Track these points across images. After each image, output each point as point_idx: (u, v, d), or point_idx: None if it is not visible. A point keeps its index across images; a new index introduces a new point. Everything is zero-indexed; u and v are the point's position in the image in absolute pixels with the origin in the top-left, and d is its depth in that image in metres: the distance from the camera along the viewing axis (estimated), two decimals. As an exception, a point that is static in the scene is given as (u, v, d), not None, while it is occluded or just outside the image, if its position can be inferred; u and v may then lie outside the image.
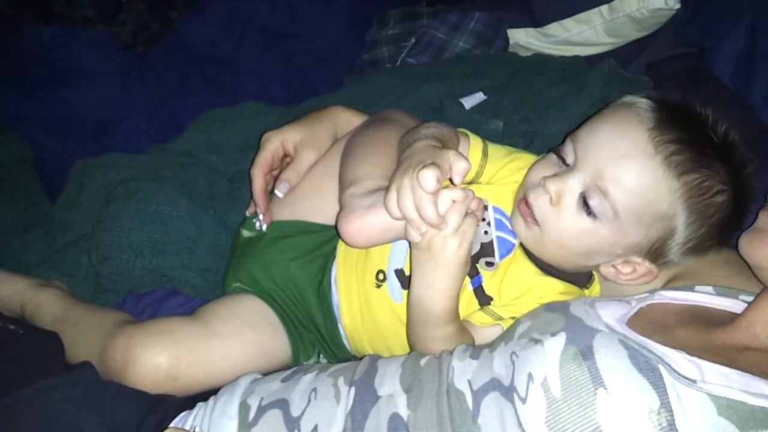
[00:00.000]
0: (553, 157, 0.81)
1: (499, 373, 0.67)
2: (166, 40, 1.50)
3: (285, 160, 1.03)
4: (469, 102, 1.31)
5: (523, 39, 1.45)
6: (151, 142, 1.33)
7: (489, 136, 0.94)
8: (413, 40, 1.43)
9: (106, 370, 0.87)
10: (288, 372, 0.80)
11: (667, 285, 0.82)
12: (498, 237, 0.82)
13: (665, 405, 0.57)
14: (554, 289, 0.82)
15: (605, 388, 0.59)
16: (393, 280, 0.85)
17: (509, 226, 0.83)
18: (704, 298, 0.75)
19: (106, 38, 1.45)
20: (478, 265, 0.82)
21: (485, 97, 1.30)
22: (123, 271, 1.07)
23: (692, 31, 1.35)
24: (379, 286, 0.86)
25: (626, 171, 0.74)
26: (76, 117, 1.39)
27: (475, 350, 0.74)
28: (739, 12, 1.26)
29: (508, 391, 0.64)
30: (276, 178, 1.01)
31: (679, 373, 0.59)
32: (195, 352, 0.88)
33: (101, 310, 1.01)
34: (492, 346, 0.73)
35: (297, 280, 0.96)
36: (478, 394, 0.67)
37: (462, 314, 0.80)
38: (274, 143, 1.00)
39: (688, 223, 0.76)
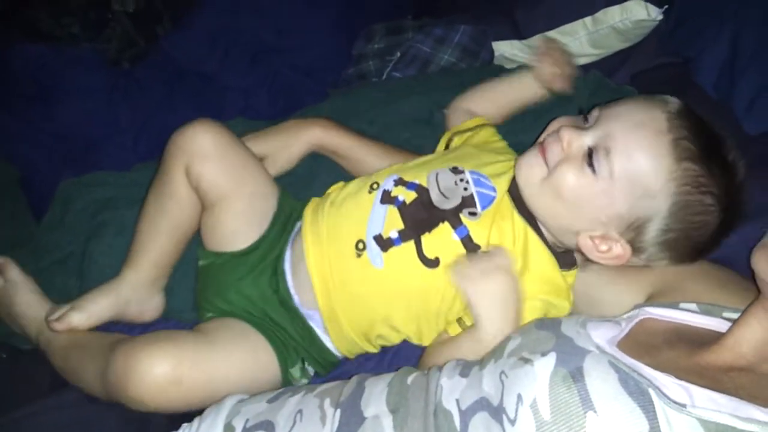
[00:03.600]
0: (580, 116, 0.86)
1: (488, 393, 0.66)
2: (151, 56, 1.50)
3: None
4: (457, 114, 1.31)
5: (508, 51, 1.46)
6: (138, 159, 1.33)
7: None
8: (399, 53, 1.43)
9: (109, 385, 0.86)
10: (274, 393, 0.79)
11: (651, 301, 0.82)
12: (477, 191, 0.89)
13: (655, 429, 0.57)
14: (541, 254, 0.87)
15: (595, 412, 0.58)
16: (373, 246, 0.88)
17: (488, 184, 0.90)
18: (689, 316, 0.75)
19: (92, 55, 1.45)
20: (461, 215, 0.88)
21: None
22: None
23: (675, 42, 1.36)
24: (359, 256, 0.89)
25: (634, 138, 0.78)
26: (62, 135, 1.38)
27: (465, 367, 0.73)
28: (720, 22, 1.27)
29: (497, 412, 0.64)
30: None
31: (669, 398, 0.59)
32: (197, 354, 0.88)
33: (107, 333, 1.01)
34: (482, 363, 0.73)
35: (252, 298, 0.97)
36: (466, 414, 0.66)
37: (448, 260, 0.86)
38: None
39: (673, 211, 0.79)
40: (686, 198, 0.78)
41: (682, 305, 0.76)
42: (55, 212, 1.21)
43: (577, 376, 0.61)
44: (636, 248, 0.82)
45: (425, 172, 0.92)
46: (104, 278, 1.05)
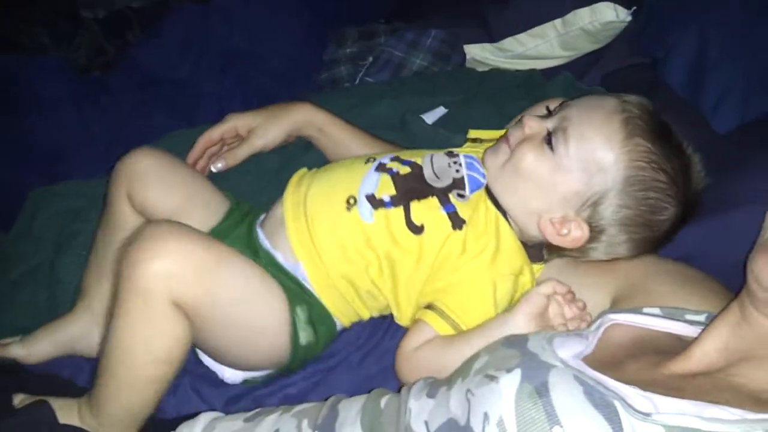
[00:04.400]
0: (543, 106, 0.94)
1: (455, 413, 0.66)
2: (122, 63, 1.49)
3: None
4: (431, 117, 1.32)
5: (480, 54, 1.47)
6: (110, 168, 1.32)
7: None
8: (371, 58, 1.43)
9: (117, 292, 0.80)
10: (251, 413, 0.79)
11: (616, 304, 0.83)
12: (468, 175, 0.94)
13: None
14: (510, 241, 0.90)
15: (561, 426, 0.58)
16: (364, 202, 0.91)
17: (480, 169, 0.94)
18: (652, 321, 0.76)
19: (61, 64, 1.44)
20: (450, 195, 0.92)
21: (446, 110, 1.32)
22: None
23: (644, 42, 1.38)
24: (349, 210, 0.91)
25: (588, 117, 0.85)
26: (32, 145, 1.36)
27: (432, 387, 0.73)
28: (687, 22, 1.29)
29: None
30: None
31: (634, 408, 0.59)
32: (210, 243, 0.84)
33: None
34: (449, 382, 0.72)
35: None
36: (436, 436, 0.66)
37: (434, 234, 0.89)
38: (229, 123, 1.10)
39: (626, 186, 0.83)
40: (639, 173, 0.83)
41: (645, 310, 0.77)
42: (24, 222, 1.19)
43: (542, 391, 0.61)
44: (594, 228, 0.86)
45: (421, 154, 0.97)
46: (70, 292, 1.04)
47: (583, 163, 0.84)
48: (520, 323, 0.81)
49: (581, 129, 0.84)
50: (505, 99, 1.32)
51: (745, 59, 1.22)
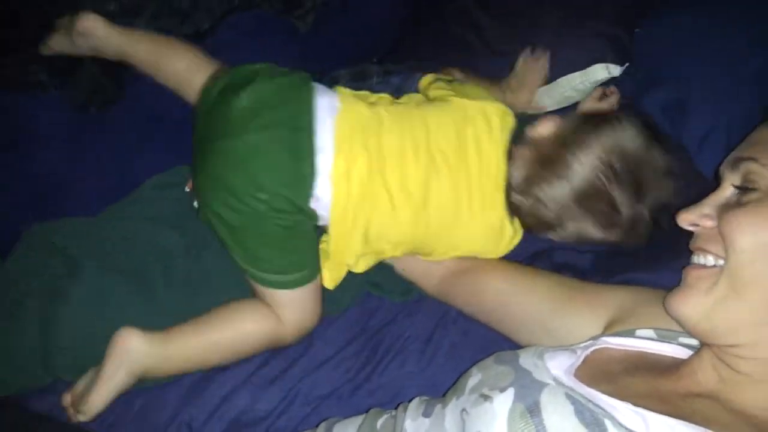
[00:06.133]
0: None
1: None
2: (120, 101, 1.50)
3: None
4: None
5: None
6: (108, 203, 1.33)
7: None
8: (361, 100, 1.45)
9: None
10: None
11: (608, 331, 0.84)
12: None
13: None
14: None
15: None
16: None
17: None
18: (647, 344, 0.78)
19: (60, 101, 1.46)
20: None
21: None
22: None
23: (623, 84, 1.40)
24: None
25: None
26: (29, 182, 1.37)
27: (429, 406, 0.74)
28: (661, 65, 1.34)
29: None
30: None
31: (624, 426, 0.61)
32: None
33: None
34: (444, 401, 0.74)
35: None
36: (432, 455, 0.67)
37: None
38: None
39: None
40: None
41: (638, 332, 0.79)
42: (16, 259, 1.19)
43: (534, 410, 0.63)
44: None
45: None
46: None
47: None
48: None
49: None
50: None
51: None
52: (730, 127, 1.22)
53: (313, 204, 0.97)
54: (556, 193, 0.96)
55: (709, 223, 0.71)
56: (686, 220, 0.74)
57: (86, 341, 1.05)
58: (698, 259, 0.72)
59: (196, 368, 1.04)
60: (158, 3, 1.53)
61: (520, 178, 0.99)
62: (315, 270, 1.03)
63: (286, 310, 1.01)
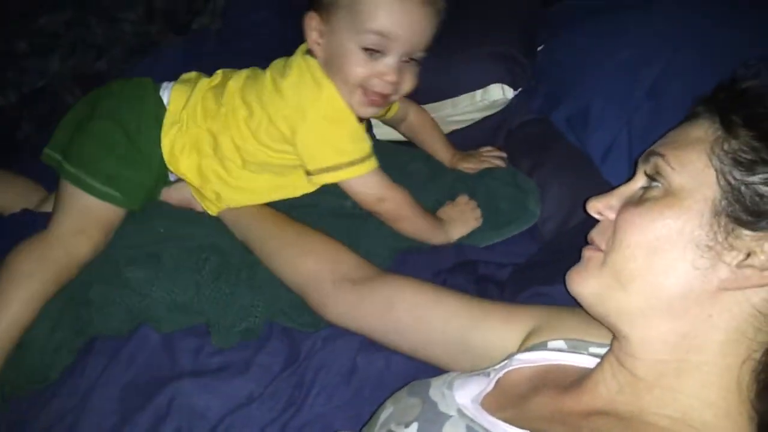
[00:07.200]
0: None
1: None
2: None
3: None
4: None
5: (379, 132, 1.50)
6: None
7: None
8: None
9: None
10: None
11: (523, 345, 0.85)
12: None
13: None
14: None
15: None
16: None
17: None
18: (557, 356, 0.78)
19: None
20: None
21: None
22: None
23: (536, 101, 1.46)
24: None
25: None
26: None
27: None
28: (565, 80, 1.39)
29: None
30: None
31: None
32: None
33: None
34: None
35: None
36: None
37: None
38: None
39: None
40: None
41: (550, 344, 0.79)
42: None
43: None
44: None
45: None
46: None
47: None
48: None
49: None
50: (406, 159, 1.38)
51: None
52: (631, 138, 1.26)
53: None
54: None
55: (612, 216, 0.73)
56: (594, 208, 0.75)
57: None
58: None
59: None
60: (71, 39, 1.55)
61: None
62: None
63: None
